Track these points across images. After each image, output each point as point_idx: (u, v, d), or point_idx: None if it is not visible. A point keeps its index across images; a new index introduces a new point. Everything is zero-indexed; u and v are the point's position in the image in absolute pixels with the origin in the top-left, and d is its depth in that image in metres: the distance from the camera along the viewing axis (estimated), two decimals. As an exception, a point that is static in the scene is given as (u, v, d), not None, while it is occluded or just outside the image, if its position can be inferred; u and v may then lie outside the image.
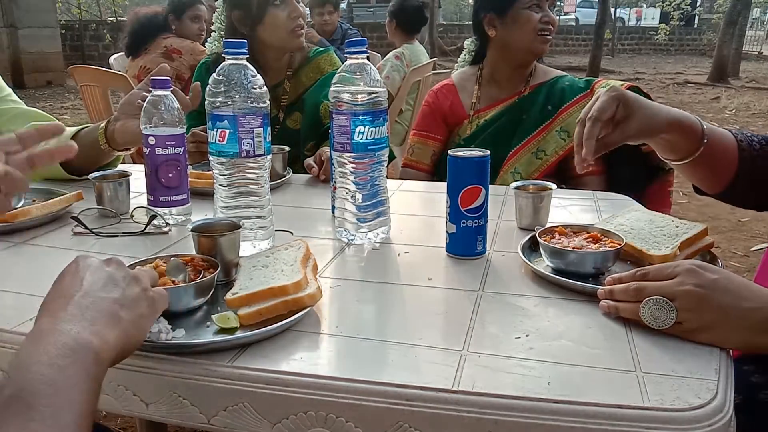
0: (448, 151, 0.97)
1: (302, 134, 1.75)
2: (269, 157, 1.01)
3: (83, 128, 1.36)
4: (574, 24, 21.77)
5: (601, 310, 0.78)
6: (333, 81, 1.00)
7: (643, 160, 1.52)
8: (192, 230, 0.88)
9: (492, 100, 1.72)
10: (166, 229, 1.10)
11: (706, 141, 0.97)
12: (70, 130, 1.36)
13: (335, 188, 1.06)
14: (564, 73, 1.76)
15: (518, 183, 1.15)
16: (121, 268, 0.65)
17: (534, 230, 0.98)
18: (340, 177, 1.02)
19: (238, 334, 0.72)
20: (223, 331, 0.73)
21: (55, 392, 0.47)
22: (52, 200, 1.15)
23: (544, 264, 0.93)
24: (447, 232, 0.99)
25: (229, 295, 0.77)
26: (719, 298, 0.70)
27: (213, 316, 0.75)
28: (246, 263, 0.87)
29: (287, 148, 1.49)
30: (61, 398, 0.47)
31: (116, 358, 0.57)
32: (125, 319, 0.59)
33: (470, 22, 1.83)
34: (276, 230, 1.04)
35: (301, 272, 0.80)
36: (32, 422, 0.44)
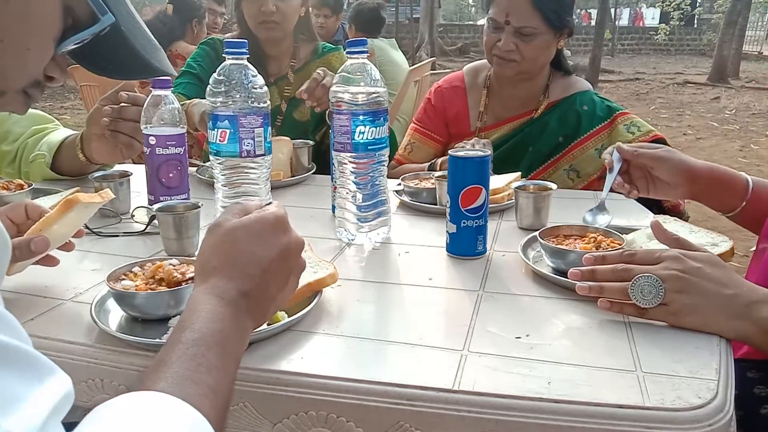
0: (449, 151, 0.97)
1: (312, 125, 1.80)
2: (269, 157, 1.01)
3: (68, 137, 1.36)
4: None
5: (579, 291, 0.79)
6: (333, 81, 1.00)
7: (656, 202, 1.36)
8: (158, 211, 0.96)
9: (498, 119, 1.59)
10: (166, 229, 1.10)
11: (751, 192, 1.02)
12: (56, 140, 1.35)
13: (336, 188, 1.06)
14: (588, 87, 1.56)
15: (518, 183, 1.15)
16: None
17: (534, 230, 0.98)
18: (341, 177, 1.02)
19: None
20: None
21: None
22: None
23: (544, 264, 0.93)
24: (447, 232, 0.99)
25: None
26: (702, 284, 0.74)
27: None
28: None
29: (311, 142, 1.54)
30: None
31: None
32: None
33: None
34: (276, 230, 1.04)
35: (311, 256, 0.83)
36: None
